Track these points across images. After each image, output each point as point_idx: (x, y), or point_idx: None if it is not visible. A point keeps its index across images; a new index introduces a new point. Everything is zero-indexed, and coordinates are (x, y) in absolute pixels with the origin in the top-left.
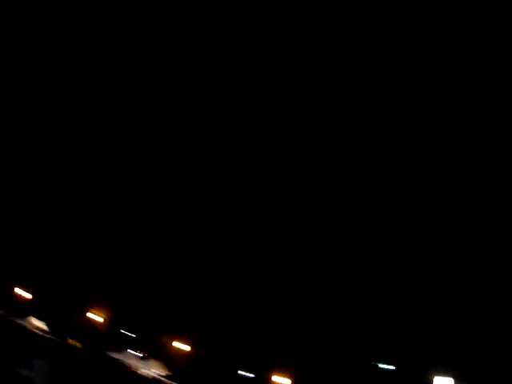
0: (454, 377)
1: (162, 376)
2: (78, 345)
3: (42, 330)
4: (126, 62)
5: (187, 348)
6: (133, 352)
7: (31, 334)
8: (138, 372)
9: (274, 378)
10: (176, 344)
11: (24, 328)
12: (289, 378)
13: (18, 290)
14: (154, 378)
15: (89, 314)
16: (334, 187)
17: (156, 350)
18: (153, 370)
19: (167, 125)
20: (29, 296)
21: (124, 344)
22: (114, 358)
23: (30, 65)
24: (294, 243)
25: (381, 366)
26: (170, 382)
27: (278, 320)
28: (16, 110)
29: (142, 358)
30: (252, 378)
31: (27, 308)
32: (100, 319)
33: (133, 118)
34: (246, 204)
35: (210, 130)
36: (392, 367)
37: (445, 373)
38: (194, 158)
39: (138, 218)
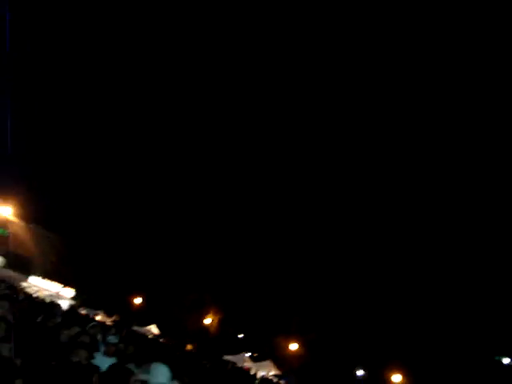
0: None
1: (275, 376)
2: (194, 349)
3: (158, 335)
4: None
5: (300, 349)
6: (247, 354)
7: (148, 339)
8: (253, 373)
9: (390, 376)
10: (289, 344)
11: (141, 334)
12: (404, 375)
13: (133, 298)
14: (267, 379)
15: (203, 319)
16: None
17: (269, 351)
18: (267, 370)
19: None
20: (144, 303)
21: (238, 346)
22: (229, 361)
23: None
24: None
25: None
26: (283, 382)
27: (391, 319)
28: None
29: (255, 360)
30: (366, 376)
31: (143, 315)
32: (214, 323)
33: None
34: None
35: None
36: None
37: None
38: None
39: (251, 223)
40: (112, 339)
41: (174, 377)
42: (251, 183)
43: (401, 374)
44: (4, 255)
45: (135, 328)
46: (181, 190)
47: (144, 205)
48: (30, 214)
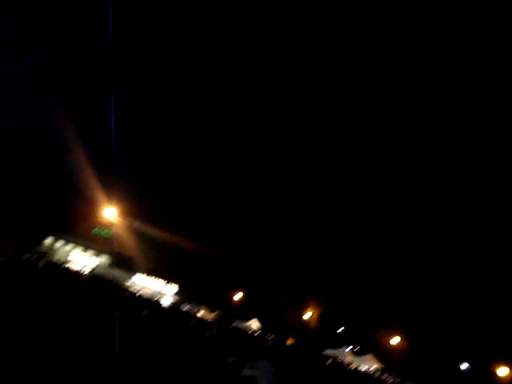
0: None
1: (377, 370)
2: (294, 343)
3: (258, 330)
4: None
5: (403, 342)
6: (348, 348)
7: (249, 334)
8: (354, 367)
9: (496, 370)
10: (391, 338)
11: (242, 329)
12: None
13: (234, 294)
14: (369, 373)
15: (303, 313)
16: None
17: (371, 345)
18: (369, 364)
19: None
20: (244, 298)
21: (339, 340)
22: (330, 356)
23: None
24: None
25: None
26: (385, 375)
27: (498, 311)
28: None
29: (357, 354)
30: (471, 370)
31: (244, 310)
32: (314, 317)
33: None
34: None
35: None
36: None
37: None
38: None
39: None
40: (214, 334)
41: (278, 371)
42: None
43: (507, 367)
44: (109, 255)
45: (236, 323)
46: (281, 184)
47: (244, 200)
48: (133, 214)
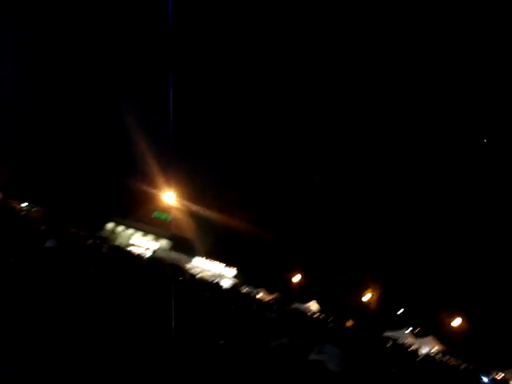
0: None
1: (438, 352)
2: (354, 325)
3: (318, 312)
4: None
5: (464, 323)
6: (408, 329)
7: (311, 317)
8: (415, 349)
9: None
10: (452, 319)
11: (301, 311)
12: None
13: (293, 276)
14: (430, 355)
15: (362, 295)
16: None
17: (432, 327)
18: (430, 347)
19: None
20: (303, 280)
21: (399, 322)
22: (390, 337)
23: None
24: None
25: None
26: (447, 358)
27: None
28: None
29: (417, 336)
30: None
31: (303, 292)
32: (373, 298)
33: None
34: None
35: None
36: None
37: None
38: None
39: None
40: (273, 316)
41: (345, 355)
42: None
43: None
44: (169, 238)
45: (295, 305)
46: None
47: (303, 181)
48: (192, 198)
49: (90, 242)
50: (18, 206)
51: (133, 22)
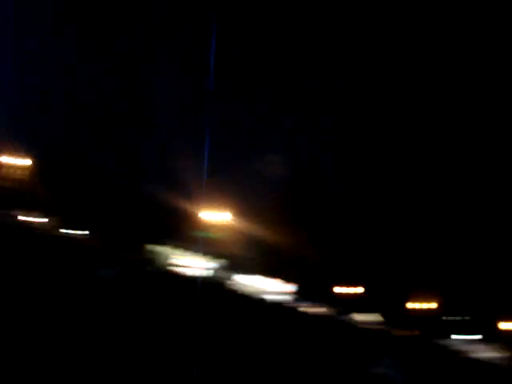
0: None
1: (503, 359)
2: (418, 336)
3: (379, 325)
4: None
5: None
6: (472, 337)
7: (375, 331)
8: (475, 357)
9: None
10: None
11: (365, 325)
12: None
13: (340, 289)
14: (494, 362)
15: (418, 303)
16: None
17: (492, 333)
18: (493, 353)
19: None
20: (357, 291)
21: (457, 329)
22: (454, 345)
23: None
24: None
25: None
26: None
27: None
28: None
29: (477, 343)
30: None
31: (356, 304)
32: (432, 306)
33: None
34: None
35: None
36: None
37: None
38: None
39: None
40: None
41: (406, 366)
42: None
43: None
44: (220, 257)
45: (357, 317)
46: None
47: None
48: (237, 214)
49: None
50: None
51: None
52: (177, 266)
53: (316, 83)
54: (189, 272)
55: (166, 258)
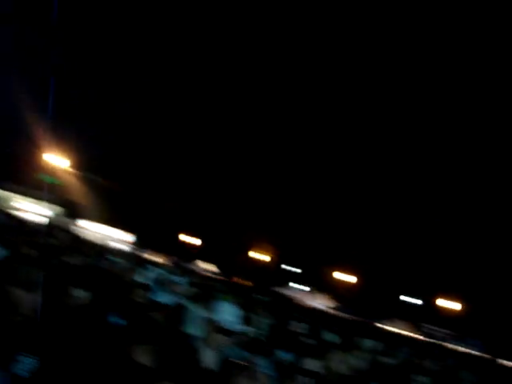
0: None
1: (329, 308)
2: (247, 283)
3: (212, 273)
4: None
5: (353, 279)
6: (299, 286)
7: (203, 276)
8: (306, 305)
9: (440, 302)
10: (341, 275)
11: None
12: (457, 301)
13: (184, 237)
14: (321, 310)
15: (253, 253)
16: None
17: (322, 283)
18: (320, 302)
19: None
20: (196, 242)
21: (289, 279)
22: (281, 293)
23: None
24: None
25: None
26: (338, 313)
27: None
28: None
29: (308, 292)
30: (417, 303)
31: (195, 253)
32: (265, 257)
33: None
34: None
35: None
36: None
37: None
38: None
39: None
40: (175, 279)
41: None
42: None
43: (454, 300)
44: (60, 203)
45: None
46: None
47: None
48: (80, 161)
49: None
50: None
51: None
52: (18, 210)
53: None
54: (30, 216)
55: (7, 201)
